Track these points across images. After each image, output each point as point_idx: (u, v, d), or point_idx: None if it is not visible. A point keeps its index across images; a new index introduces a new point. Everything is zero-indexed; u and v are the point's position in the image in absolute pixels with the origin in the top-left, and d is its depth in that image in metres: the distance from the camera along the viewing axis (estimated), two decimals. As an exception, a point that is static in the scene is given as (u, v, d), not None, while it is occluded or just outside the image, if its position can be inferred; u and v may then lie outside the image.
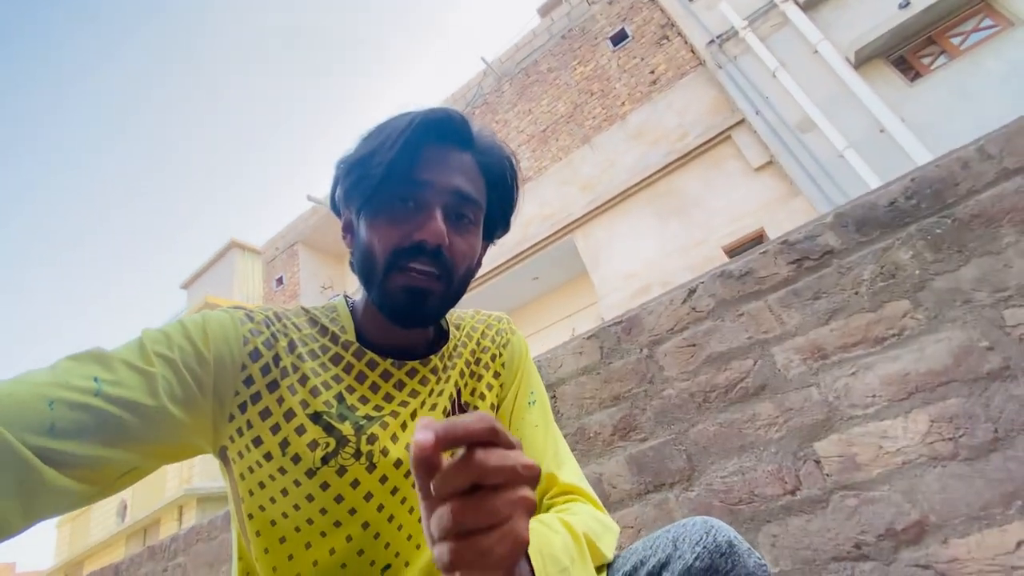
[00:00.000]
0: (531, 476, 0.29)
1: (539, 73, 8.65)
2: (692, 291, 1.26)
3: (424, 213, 0.53)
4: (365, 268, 0.55)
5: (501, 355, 0.69)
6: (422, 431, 0.27)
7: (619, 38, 7.99)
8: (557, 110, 8.22)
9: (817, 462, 1.03)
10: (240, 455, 0.52)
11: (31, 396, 0.39)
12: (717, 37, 6.60)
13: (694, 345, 1.22)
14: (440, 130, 0.54)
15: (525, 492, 0.29)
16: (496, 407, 0.66)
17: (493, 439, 0.28)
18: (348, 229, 0.60)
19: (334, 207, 0.63)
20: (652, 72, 7.42)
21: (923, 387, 0.99)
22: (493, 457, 0.28)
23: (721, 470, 1.11)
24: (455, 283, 0.55)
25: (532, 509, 0.29)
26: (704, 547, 0.45)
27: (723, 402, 1.15)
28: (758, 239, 6.05)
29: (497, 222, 0.64)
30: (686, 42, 7.16)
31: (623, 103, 7.55)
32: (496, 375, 0.67)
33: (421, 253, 0.52)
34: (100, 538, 12.57)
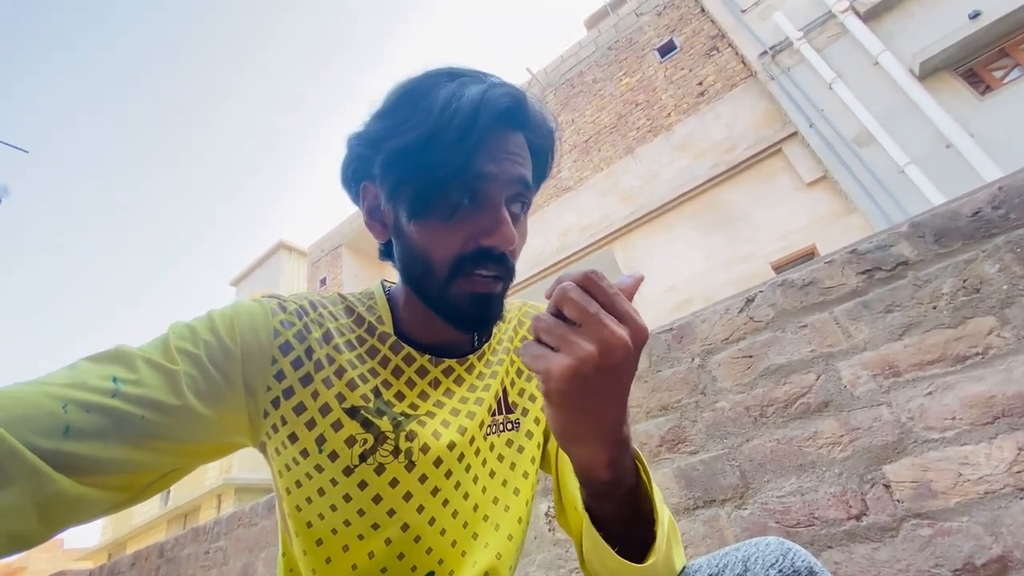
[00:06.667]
0: (602, 331, 0.31)
1: (584, 84, 8.65)
2: (750, 300, 1.21)
3: (488, 212, 0.47)
4: (417, 273, 0.51)
5: None
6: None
7: (667, 49, 7.90)
8: (600, 120, 8.19)
9: (887, 487, 0.96)
10: (277, 451, 0.50)
11: (44, 398, 0.37)
12: (770, 48, 6.43)
13: (751, 356, 1.17)
14: (507, 117, 0.48)
15: (585, 340, 0.31)
16: None
17: (584, 284, 0.32)
18: (376, 216, 0.54)
19: (348, 183, 0.56)
20: (700, 83, 7.29)
21: (1011, 411, 0.91)
22: (573, 293, 0.32)
23: (778, 489, 1.06)
24: (513, 277, 0.52)
25: (599, 360, 0.31)
26: (780, 571, 0.40)
27: (781, 417, 1.09)
28: (809, 256, 5.81)
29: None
30: (737, 53, 7.00)
31: (669, 114, 7.45)
32: None
33: (488, 259, 0.48)
34: (143, 520, 13.17)
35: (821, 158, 5.77)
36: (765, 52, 6.46)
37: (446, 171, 0.45)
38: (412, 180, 0.47)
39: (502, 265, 0.49)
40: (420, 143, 0.46)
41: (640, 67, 8.06)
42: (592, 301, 0.32)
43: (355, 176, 0.54)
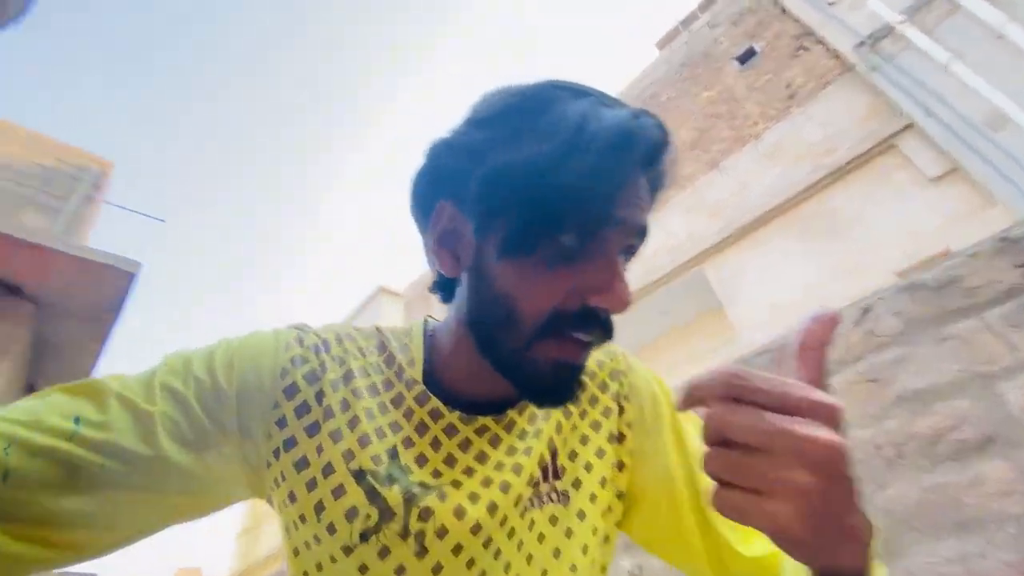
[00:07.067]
0: (803, 438, 0.24)
1: (658, 105, 8.43)
2: (867, 310, 0.99)
3: (603, 265, 0.38)
4: (495, 322, 0.40)
5: (623, 410, 0.51)
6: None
7: (746, 56, 7.51)
8: (680, 138, 7.89)
9: (1101, 556, 0.70)
10: (280, 509, 0.44)
11: None
12: (868, 37, 5.84)
13: (875, 380, 0.94)
14: (656, 154, 0.40)
15: (791, 469, 0.24)
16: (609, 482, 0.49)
17: (736, 395, 0.26)
18: (449, 243, 0.43)
19: (419, 198, 0.45)
20: (788, 86, 6.79)
21: None
22: (734, 415, 0.26)
23: (930, 554, 0.81)
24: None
25: (819, 483, 0.25)
26: None
27: (926, 458, 0.86)
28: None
29: None
30: (828, 49, 6.46)
31: (755, 122, 6.99)
32: (617, 438, 0.50)
33: (592, 321, 0.39)
34: (266, 553, 14.17)
35: (946, 149, 5.04)
36: (863, 42, 5.88)
37: (570, 204, 0.36)
38: (519, 207, 0.38)
39: (604, 331, 0.40)
40: (542, 163, 0.36)
41: (719, 79, 7.72)
42: (762, 414, 0.25)
43: (429, 192, 0.44)
